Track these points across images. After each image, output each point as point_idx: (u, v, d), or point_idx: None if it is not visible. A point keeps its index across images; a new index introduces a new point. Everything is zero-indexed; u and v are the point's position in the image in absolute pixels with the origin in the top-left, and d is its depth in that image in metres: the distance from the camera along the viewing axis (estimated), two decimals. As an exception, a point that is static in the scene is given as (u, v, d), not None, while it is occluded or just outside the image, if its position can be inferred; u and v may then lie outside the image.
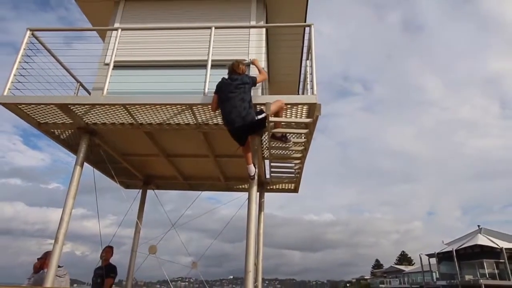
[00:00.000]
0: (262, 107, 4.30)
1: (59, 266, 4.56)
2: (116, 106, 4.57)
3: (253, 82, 4.34)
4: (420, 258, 40.15)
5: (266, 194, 7.45)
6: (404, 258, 79.52)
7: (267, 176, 6.91)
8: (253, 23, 5.79)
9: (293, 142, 4.98)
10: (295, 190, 7.59)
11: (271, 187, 7.55)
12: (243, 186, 7.69)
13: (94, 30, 6.46)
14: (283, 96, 4.46)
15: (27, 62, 4.79)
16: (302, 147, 5.22)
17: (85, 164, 5.21)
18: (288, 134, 4.93)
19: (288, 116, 4.77)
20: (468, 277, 30.48)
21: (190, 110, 4.58)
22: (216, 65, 4.68)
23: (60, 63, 5.49)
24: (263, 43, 5.64)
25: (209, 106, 4.42)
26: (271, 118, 4.29)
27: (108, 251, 6.01)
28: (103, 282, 5.71)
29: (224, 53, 4.97)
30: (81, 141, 5.06)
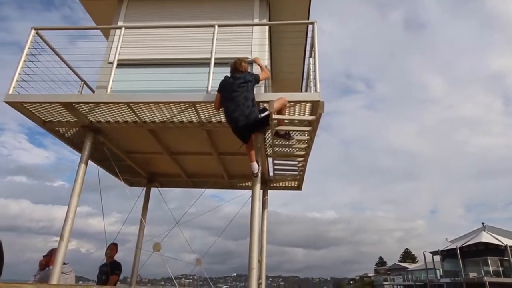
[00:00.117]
0: (265, 105, 4.30)
1: (64, 263, 4.61)
2: (120, 104, 4.59)
3: (256, 79, 4.34)
4: (424, 256, 40.10)
5: (270, 192, 7.46)
6: (407, 256, 79.35)
7: (271, 173, 6.92)
8: (256, 21, 5.78)
9: (296, 139, 4.98)
10: (299, 187, 7.60)
11: (275, 184, 7.55)
12: (246, 184, 7.71)
13: (98, 29, 6.47)
14: (286, 94, 4.45)
15: (31, 61, 4.82)
16: (305, 145, 5.22)
17: (90, 162, 5.23)
18: (291, 132, 4.93)
19: (291, 114, 4.77)
20: (472, 275, 30.40)
21: (193, 108, 4.59)
22: (219, 63, 4.69)
23: (65, 61, 5.53)
24: (266, 41, 5.63)
25: (213, 104, 4.43)
26: (275, 116, 4.29)
27: (112, 248, 6.07)
28: (108, 279, 5.76)
29: (227, 51, 4.97)
30: (85, 139, 5.10)
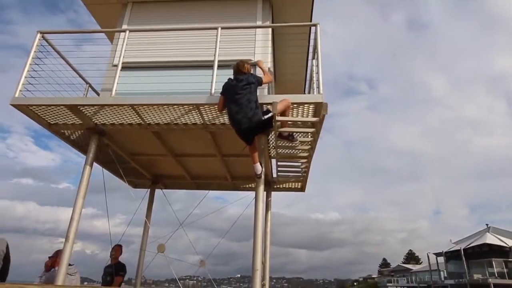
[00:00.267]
0: (268, 106, 4.32)
1: (69, 265, 4.62)
2: (125, 107, 4.63)
3: (259, 82, 4.36)
4: (428, 257, 39.87)
5: (273, 193, 7.46)
6: (411, 257, 78.97)
7: (274, 175, 6.93)
8: (259, 23, 5.82)
9: (299, 141, 5.00)
10: (302, 189, 7.60)
11: (278, 186, 7.56)
12: (250, 185, 7.72)
13: (103, 32, 6.53)
14: (289, 96, 4.47)
15: (37, 64, 4.87)
16: (309, 146, 5.23)
17: (95, 164, 5.26)
18: (294, 133, 4.94)
19: (294, 116, 4.78)
20: (476, 276, 30.19)
21: (197, 110, 4.62)
22: (223, 65, 4.71)
23: (70, 65, 5.57)
24: (269, 43, 5.66)
25: (216, 106, 4.46)
26: (278, 118, 4.30)
27: (117, 249, 6.09)
28: (112, 280, 5.79)
29: (230, 53, 5.00)
30: (90, 141, 5.14)
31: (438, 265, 38.19)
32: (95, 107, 4.70)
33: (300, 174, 6.65)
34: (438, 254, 38.00)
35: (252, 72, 4.53)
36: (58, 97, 4.80)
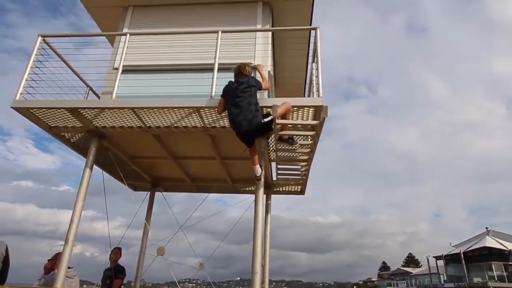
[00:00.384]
0: (269, 109, 4.34)
1: (69, 267, 4.61)
2: (125, 110, 4.64)
3: (259, 86, 4.39)
4: (428, 260, 39.80)
5: (273, 196, 7.47)
6: (411, 260, 78.85)
7: (274, 178, 6.94)
8: (259, 26, 5.84)
9: (299, 144, 5.01)
10: (302, 192, 7.61)
11: (278, 189, 7.57)
12: (250, 188, 7.72)
13: (104, 36, 6.56)
14: (289, 99, 4.48)
15: (38, 67, 4.89)
16: (309, 149, 5.25)
17: (95, 166, 5.28)
18: (294, 136, 4.95)
19: (294, 119, 4.80)
20: (476, 280, 30.14)
21: (197, 113, 4.63)
22: (223, 68, 4.74)
23: (70, 68, 5.60)
24: (269, 47, 5.68)
25: (216, 109, 4.49)
26: (278, 121, 4.31)
27: (116, 252, 6.08)
28: (112, 283, 5.78)
29: (230, 56, 5.02)
30: (90, 144, 5.15)
31: (438, 269, 38.12)
32: (96, 110, 4.71)
33: (300, 177, 6.67)
34: (438, 258, 37.94)
35: (252, 75, 4.55)
36: (59, 100, 4.81)
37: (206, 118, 4.75)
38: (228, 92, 4.31)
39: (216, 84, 4.58)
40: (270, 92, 6.07)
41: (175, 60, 5.42)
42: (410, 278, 50.88)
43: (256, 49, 5.45)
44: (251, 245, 4.13)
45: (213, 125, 4.88)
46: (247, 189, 7.84)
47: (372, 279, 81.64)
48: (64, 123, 5.13)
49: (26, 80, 4.76)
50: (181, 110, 4.61)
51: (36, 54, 4.91)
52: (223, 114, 4.57)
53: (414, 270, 56.82)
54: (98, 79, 5.70)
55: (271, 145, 5.45)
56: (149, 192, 7.50)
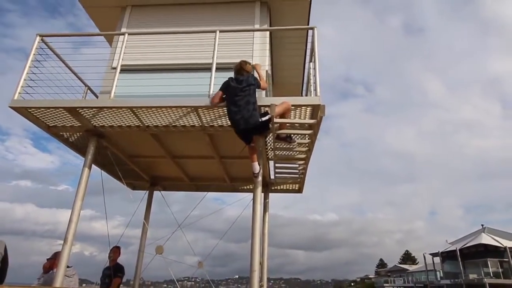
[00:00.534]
0: (267, 109, 4.37)
1: (68, 266, 4.62)
2: (123, 109, 4.65)
3: (258, 84, 4.43)
4: (424, 257, 40.08)
5: (271, 195, 7.52)
6: (408, 257, 79.31)
7: (272, 176, 6.98)
8: (257, 26, 5.86)
9: (297, 143, 5.04)
10: (299, 190, 7.65)
11: (276, 187, 7.60)
12: (248, 187, 7.76)
13: (102, 35, 6.56)
14: (287, 98, 4.51)
15: (36, 67, 4.88)
16: (306, 148, 5.28)
17: (93, 166, 5.29)
18: (292, 135, 4.99)
19: (292, 118, 4.82)
20: (472, 276, 30.40)
21: (195, 112, 4.65)
22: (221, 68, 4.76)
23: (69, 67, 5.60)
24: (267, 46, 5.71)
25: (215, 109, 4.52)
26: (275, 120, 4.34)
27: (115, 251, 6.10)
28: (111, 281, 5.80)
29: (228, 56, 5.03)
30: (89, 143, 5.16)
31: (434, 265, 38.40)
32: (94, 109, 4.72)
33: (297, 175, 6.70)
34: (434, 255, 38.20)
35: (252, 73, 4.58)
36: (57, 99, 4.82)
37: (204, 117, 4.77)
38: (228, 89, 4.35)
39: (214, 84, 4.60)
40: (268, 91, 6.09)
41: (173, 59, 5.44)
42: (407, 275, 51.20)
43: (254, 48, 5.47)
44: (249, 243, 4.17)
45: (211, 124, 4.90)
46: (245, 187, 7.88)
47: (370, 276, 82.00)
48: (62, 123, 5.14)
49: (25, 79, 4.75)
50: (179, 110, 4.63)
51: (34, 54, 4.91)
52: (221, 113, 4.60)
53: (410, 267, 57.22)
54: (96, 79, 5.70)
55: (269, 144, 5.48)
56: (147, 191, 7.51)
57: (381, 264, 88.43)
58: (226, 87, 4.39)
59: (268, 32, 5.93)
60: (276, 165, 6.23)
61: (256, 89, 4.41)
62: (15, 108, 4.70)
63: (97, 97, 6.00)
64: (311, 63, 4.98)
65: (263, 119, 4.23)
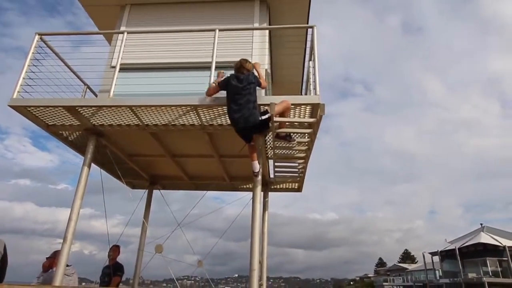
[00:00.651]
0: (266, 107, 4.36)
1: (67, 265, 4.63)
2: (123, 108, 4.65)
3: (258, 83, 4.43)
4: (423, 256, 40.14)
5: (270, 194, 7.52)
6: (407, 256, 79.39)
7: (271, 175, 6.98)
8: (256, 25, 5.86)
9: (297, 141, 5.04)
10: (299, 189, 7.65)
11: (275, 186, 7.61)
12: (247, 186, 7.77)
13: (101, 34, 6.54)
14: (286, 97, 4.52)
15: (35, 66, 4.88)
16: (306, 147, 5.28)
17: (93, 165, 5.29)
18: (292, 134, 4.98)
19: (291, 116, 4.82)
20: (471, 275, 30.46)
21: (195, 111, 4.65)
22: (220, 66, 4.76)
23: (68, 66, 5.59)
24: (266, 45, 5.71)
25: (214, 108, 4.53)
26: (275, 118, 4.34)
27: (115, 250, 6.11)
28: (110, 280, 5.81)
29: (228, 55, 5.02)
30: (88, 142, 5.15)
31: (433, 264, 38.47)
32: (93, 108, 4.72)
33: (297, 174, 6.70)
34: (433, 254, 38.26)
35: (253, 71, 4.58)
36: (56, 98, 4.80)
37: (204, 116, 4.77)
38: (228, 87, 4.35)
39: (213, 83, 4.59)
40: (268, 90, 6.09)
41: (173, 58, 5.43)
42: (406, 274, 51.31)
43: (253, 47, 5.47)
44: (249, 242, 4.17)
45: (210, 123, 4.90)
46: (244, 186, 7.89)
47: (369, 275, 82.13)
48: (61, 122, 5.13)
49: (24, 78, 4.75)
50: (178, 108, 4.63)
51: (33, 53, 4.90)
52: (220, 112, 4.61)
53: (410, 266, 57.29)
54: (95, 78, 5.70)
55: (268, 143, 5.48)
56: (147, 190, 7.51)
57: (381, 263, 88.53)
58: (226, 84, 4.39)
59: (267, 31, 5.93)
60: (276, 164, 6.23)
61: (256, 88, 4.41)
62: (14, 107, 4.70)
63: (96, 96, 5.99)
64: (310, 62, 4.97)
65: (263, 117, 4.23)
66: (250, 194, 4.83)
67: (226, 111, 4.45)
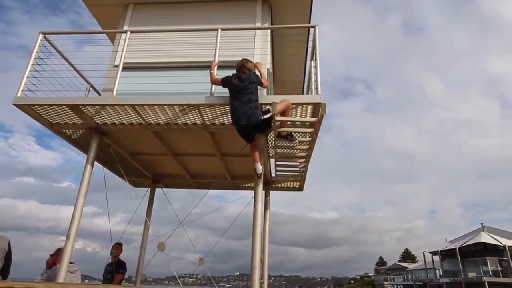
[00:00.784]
0: (268, 107, 4.38)
1: (71, 262, 4.66)
2: (125, 107, 4.68)
3: (260, 83, 4.46)
4: (424, 256, 40.14)
5: (272, 192, 7.55)
6: (407, 256, 79.35)
7: (273, 174, 7.01)
8: (258, 24, 5.87)
9: (298, 141, 5.07)
10: (300, 188, 7.68)
11: (277, 185, 7.64)
12: (249, 185, 7.79)
13: (104, 33, 6.56)
14: (288, 96, 4.54)
15: (39, 65, 4.91)
16: (307, 146, 5.30)
17: (96, 163, 5.31)
18: (293, 133, 5.01)
19: (293, 116, 4.84)
20: (471, 275, 30.47)
21: (197, 110, 4.68)
22: (222, 66, 4.79)
23: (71, 65, 5.62)
24: (268, 44, 5.72)
25: (216, 106, 4.56)
26: (277, 118, 4.36)
27: (117, 247, 6.13)
28: (113, 278, 5.84)
29: (230, 54, 5.05)
30: (91, 140, 5.19)
31: (433, 264, 38.45)
32: (96, 107, 4.75)
33: (298, 173, 6.72)
34: (433, 253, 38.25)
35: (254, 71, 4.60)
36: (60, 97, 4.84)
37: (206, 115, 4.79)
38: (229, 85, 4.38)
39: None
40: (269, 89, 6.12)
41: (175, 57, 5.45)
42: (407, 273, 51.28)
43: (255, 47, 5.49)
44: (250, 240, 4.20)
45: (212, 122, 4.93)
46: (246, 185, 7.91)
47: (369, 274, 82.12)
48: (65, 120, 5.17)
49: (28, 77, 4.78)
50: (181, 107, 4.66)
51: (37, 52, 4.93)
52: (222, 111, 4.65)
53: (410, 265, 57.23)
54: (98, 76, 5.73)
55: (270, 142, 5.50)
56: (149, 189, 7.54)
57: (381, 262, 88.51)
58: (226, 82, 4.42)
59: (269, 30, 5.95)
60: (277, 163, 6.26)
61: (258, 87, 4.43)
62: (18, 106, 4.74)
63: (99, 94, 6.01)
64: (312, 62, 4.99)
65: (265, 116, 4.25)
66: (251, 192, 4.86)
67: (228, 110, 4.48)
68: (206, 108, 4.63)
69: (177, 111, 4.74)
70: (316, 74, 4.63)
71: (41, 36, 5.02)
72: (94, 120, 5.05)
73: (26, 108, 4.81)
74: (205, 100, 4.51)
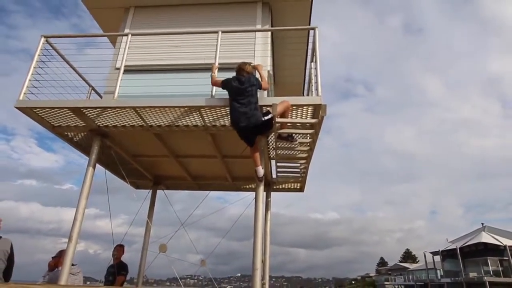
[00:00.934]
0: (268, 108, 4.40)
1: (73, 264, 4.67)
2: (127, 109, 4.70)
3: (259, 85, 4.47)
4: (425, 256, 40.13)
5: (273, 194, 7.55)
6: (408, 256, 79.26)
7: (274, 176, 7.03)
8: (258, 26, 5.90)
9: (299, 142, 5.08)
10: (301, 189, 7.69)
11: (278, 186, 7.66)
12: (250, 186, 7.80)
13: (105, 36, 6.59)
14: (288, 98, 4.55)
15: (41, 68, 4.93)
16: (308, 147, 5.32)
17: (97, 165, 5.34)
18: (294, 134, 5.02)
19: (293, 117, 4.86)
20: (472, 275, 30.46)
21: (198, 112, 4.69)
22: (223, 68, 4.80)
23: (73, 68, 5.64)
24: (269, 46, 5.75)
25: (217, 108, 4.57)
26: (277, 119, 4.37)
27: (119, 249, 6.15)
28: (115, 279, 5.86)
29: (230, 56, 5.06)
30: (93, 143, 5.20)
31: (434, 264, 38.44)
32: (98, 109, 4.77)
33: (299, 174, 6.74)
34: (434, 253, 38.25)
35: (254, 73, 4.62)
36: (62, 99, 4.87)
37: (207, 117, 4.81)
38: (229, 88, 4.39)
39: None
40: (270, 91, 6.14)
41: (176, 60, 5.48)
42: (408, 273, 51.22)
43: (256, 49, 5.50)
44: (251, 241, 4.21)
45: (213, 124, 4.95)
46: (247, 186, 7.92)
47: (370, 275, 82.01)
48: (67, 123, 5.19)
49: (30, 80, 4.80)
50: (182, 109, 4.67)
51: (39, 55, 4.95)
52: (223, 113, 4.66)
53: (411, 266, 57.18)
54: (100, 79, 5.75)
55: (270, 143, 5.52)
56: (151, 190, 7.56)
57: (382, 262, 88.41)
58: (226, 84, 4.44)
59: (269, 33, 5.97)
60: (278, 164, 6.28)
61: (258, 90, 4.45)
62: (20, 109, 4.76)
63: (101, 97, 6.05)
64: (312, 63, 5.01)
65: (265, 118, 4.26)
66: (252, 194, 4.88)
67: (228, 112, 4.49)
68: (207, 110, 4.65)
69: (178, 113, 4.76)
70: (316, 75, 4.64)
71: (43, 39, 5.04)
72: (96, 122, 5.07)
73: (28, 111, 4.83)
74: (206, 102, 4.53)
